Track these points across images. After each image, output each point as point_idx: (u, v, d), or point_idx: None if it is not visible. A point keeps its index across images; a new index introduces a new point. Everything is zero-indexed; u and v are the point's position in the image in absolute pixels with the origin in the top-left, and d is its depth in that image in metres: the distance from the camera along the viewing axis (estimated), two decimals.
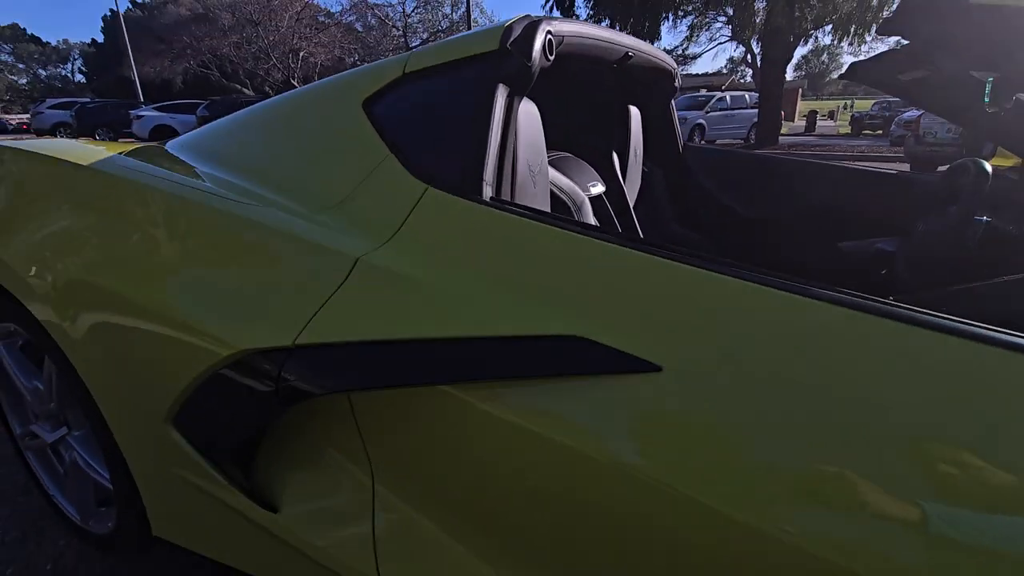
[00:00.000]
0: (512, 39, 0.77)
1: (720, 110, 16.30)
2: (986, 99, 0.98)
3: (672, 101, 1.67)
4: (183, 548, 1.01)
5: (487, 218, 0.68)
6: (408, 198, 0.74)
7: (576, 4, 13.64)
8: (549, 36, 0.81)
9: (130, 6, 36.29)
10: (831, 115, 31.43)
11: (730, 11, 12.91)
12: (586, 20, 13.34)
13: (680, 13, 13.35)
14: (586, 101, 1.51)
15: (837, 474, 0.46)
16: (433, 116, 0.81)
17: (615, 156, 1.49)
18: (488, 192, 0.72)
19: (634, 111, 1.50)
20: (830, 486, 0.46)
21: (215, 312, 0.74)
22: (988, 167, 1.15)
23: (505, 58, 0.77)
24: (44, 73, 50.19)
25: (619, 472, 0.52)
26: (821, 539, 0.46)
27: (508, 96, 0.78)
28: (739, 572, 0.50)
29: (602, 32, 1.04)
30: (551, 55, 0.82)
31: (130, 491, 1.01)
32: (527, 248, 0.64)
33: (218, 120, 1.20)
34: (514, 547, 0.66)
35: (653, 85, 1.52)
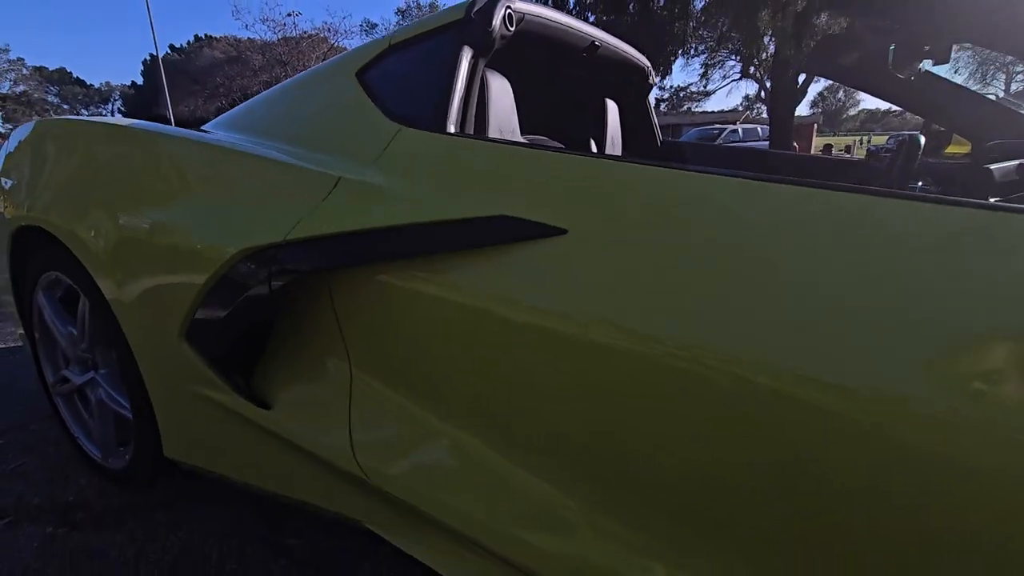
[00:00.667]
0: (476, 9, 0.94)
1: (732, 143, 16.62)
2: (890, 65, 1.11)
3: (649, 98, 1.83)
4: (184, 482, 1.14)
5: (446, 143, 0.83)
6: (386, 136, 0.89)
7: None
8: (508, 10, 0.97)
9: (168, 51, 38.62)
10: (847, 149, 31.60)
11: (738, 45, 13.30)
12: None
13: (691, 51, 13.80)
14: (563, 90, 1.66)
15: (691, 301, 0.58)
16: (410, 75, 0.97)
17: (592, 144, 1.64)
18: (452, 128, 0.88)
19: (611, 104, 1.65)
20: (691, 309, 0.58)
21: (222, 227, 0.89)
22: (921, 139, 1.27)
23: (469, 24, 0.93)
24: (86, 112, 53.23)
25: (541, 316, 0.65)
26: (691, 354, 0.57)
27: (472, 57, 0.94)
28: (630, 398, 0.62)
29: (565, 18, 1.20)
30: (511, 26, 0.98)
31: (147, 414, 1.14)
32: (472, 161, 0.78)
33: (241, 104, 1.39)
34: (466, 407, 0.78)
35: (628, 80, 1.68)
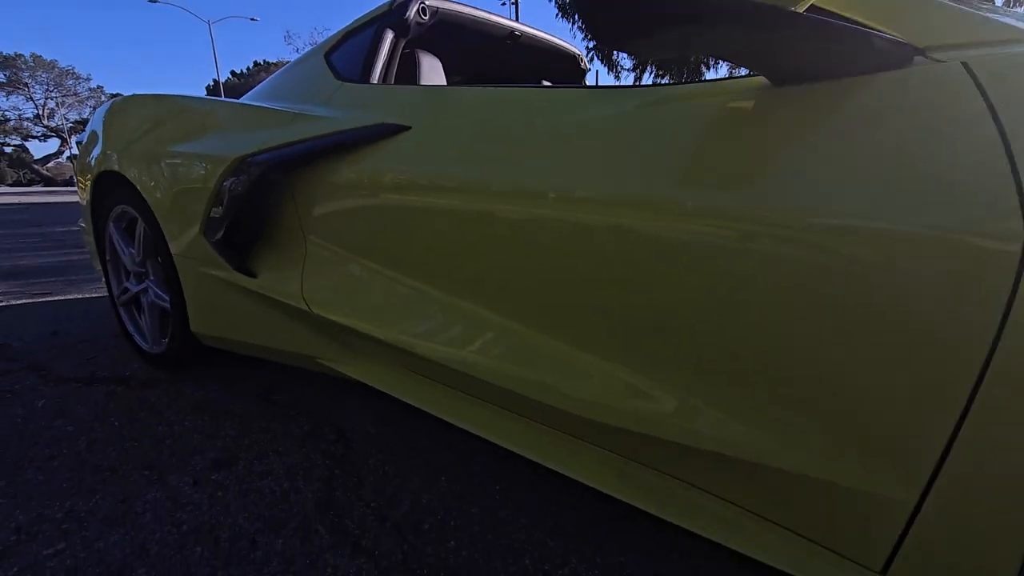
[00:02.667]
0: (396, 4, 1.37)
1: None
2: None
3: (584, 80, 2.21)
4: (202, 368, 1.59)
5: (364, 89, 1.26)
6: (333, 89, 1.33)
7: None
8: (422, 4, 1.39)
9: (230, 75, 41.51)
10: None
11: None
12: None
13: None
14: (500, 70, 2.06)
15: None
16: (355, 51, 1.41)
17: None
18: (373, 82, 1.31)
19: (547, 83, 2.05)
20: (491, 165, 0.97)
21: (224, 149, 1.34)
22: None
23: (390, 14, 1.36)
24: None
25: (401, 177, 1.07)
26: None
27: (393, 37, 1.37)
28: (457, 226, 1.01)
29: (479, 12, 1.62)
30: (425, 15, 1.41)
31: (179, 302, 1.60)
32: (374, 97, 1.22)
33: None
34: (369, 253, 1.19)
35: (559, 65, 2.08)
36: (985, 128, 0.54)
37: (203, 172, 1.39)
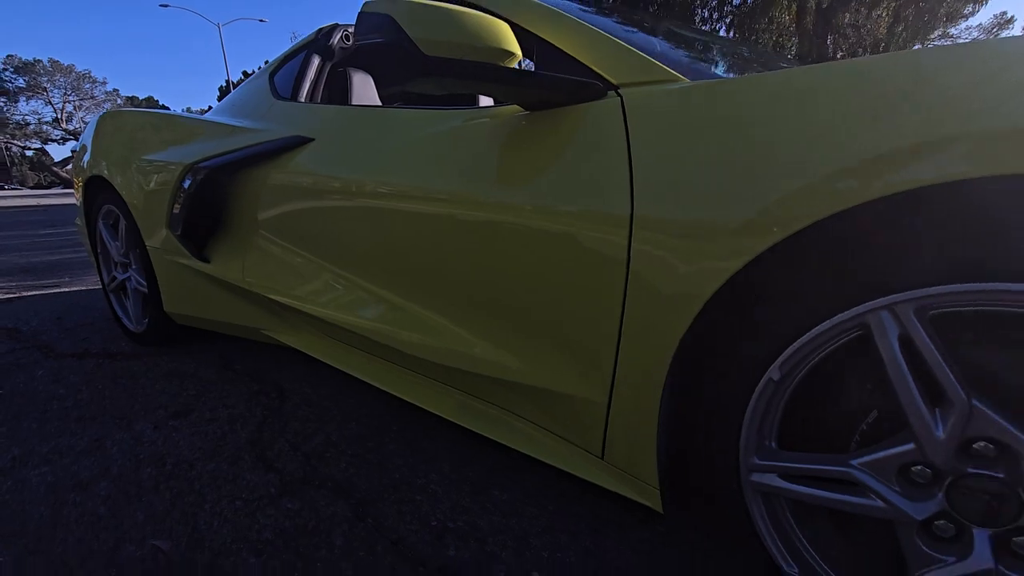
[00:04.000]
0: (322, 33, 1.63)
1: None
2: None
3: None
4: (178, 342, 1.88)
5: (291, 106, 1.54)
6: (269, 105, 1.61)
7: None
8: (345, 32, 1.66)
9: (241, 76, 42.31)
10: None
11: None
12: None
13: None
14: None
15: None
16: (289, 72, 1.68)
17: None
18: (301, 100, 1.58)
19: (484, 99, 2.30)
20: (362, 167, 1.24)
21: (181, 157, 1.62)
22: None
23: (316, 42, 1.63)
24: None
25: (308, 178, 1.34)
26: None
27: (320, 61, 1.64)
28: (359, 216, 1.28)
29: None
30: (348, 41, 1.67)
31: (154, 286, 1.89)
32: (295, 113, 1.48)
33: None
34: (297, 241, 1.47)
35: None
36: (620, 143, 0.80)
37: (166, 176, 1.67)
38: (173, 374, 1.84)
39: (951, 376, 0.58)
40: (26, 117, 53.58)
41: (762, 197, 0.64)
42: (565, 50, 0.94)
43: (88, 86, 53.84)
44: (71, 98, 53.18)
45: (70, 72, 52.68)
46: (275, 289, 1.48)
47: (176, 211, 1.65)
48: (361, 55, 1.74)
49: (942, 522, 0.62)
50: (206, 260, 1.67)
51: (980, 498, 0.59)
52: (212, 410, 1.56)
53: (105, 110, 2.16)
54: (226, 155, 1.47)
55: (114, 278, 2.20)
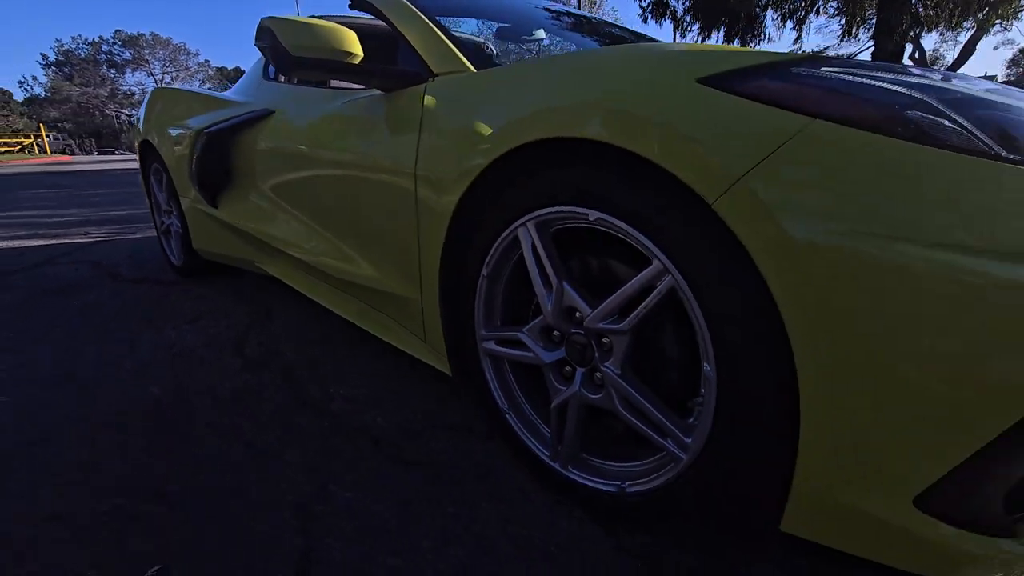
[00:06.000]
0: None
1: None
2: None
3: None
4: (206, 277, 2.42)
5: (274, 86, 1.96)
6: (257, 84, 2.05)
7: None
8: None
9: None
10: None
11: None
12: (681, 18, 13.81)
13: (783, 11, 13.14)
14: None
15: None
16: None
17: None
18: (281, 80, 2.01)
19: None
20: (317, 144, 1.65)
21: (196, 124, 2.10)
22: None
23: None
24: None
25: (275, 144, 1.78)
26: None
27: None
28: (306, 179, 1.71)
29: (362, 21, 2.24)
30: None
31: (184, 227, 2.44)
32: (274, 91, 1.91)
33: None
34: (273, 192, 1.92)
35: None
36: (416, 119, 1.15)
37: (188, 140, 2.17)
38: (198, 296, 2.39)
39: (551, 268, 0.91)
40: (132, 88, 58.49)
41: (467, 157, 0.99)
42: (413, 45, 1.29)
43: (183, 58, 57.97)
44: (169, 69, 57.56)
45: (168, 44, 56.83)
46: (254, 228, 1.95)
47: (194, 168, 2.14)
48: None
49: (565, 367, 0.96)
50: (216, 207, 2.16)
51: (576, 347, 0.92)
52: (215, 320, 2.07)
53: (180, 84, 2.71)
54: (222, 123, 1.93)
55: (162, 222, 2.78)
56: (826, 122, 0.62)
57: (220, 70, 63.62)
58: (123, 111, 59.04)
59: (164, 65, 57.61)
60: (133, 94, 58.70)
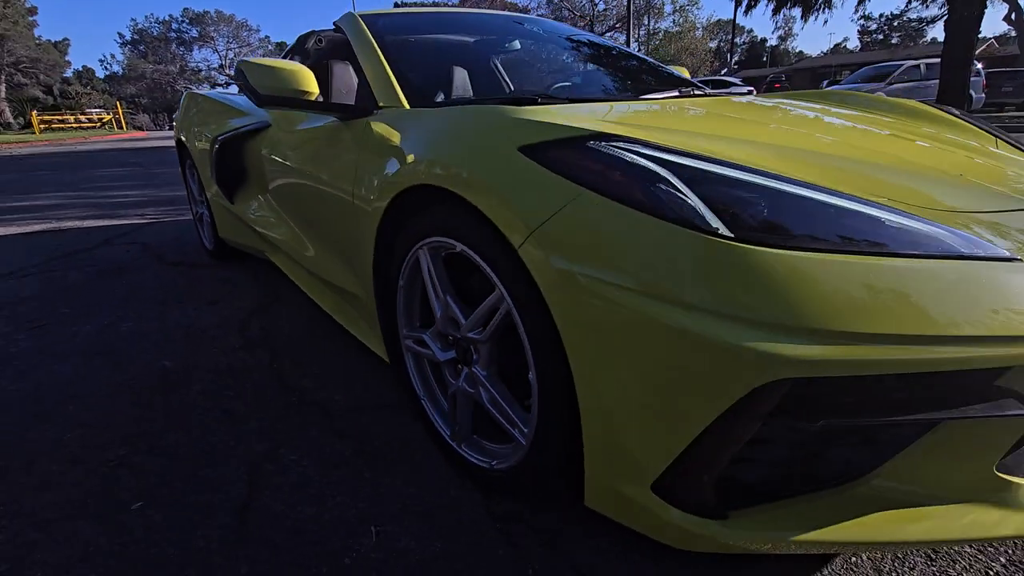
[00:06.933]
0: (300, 38, 2.26)
1: (911, 80, 14.38)
2: None
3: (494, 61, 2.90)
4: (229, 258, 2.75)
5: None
6: None
7: None
8: (317, 37, 2.26)
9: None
10: None
11: None
12: None
13: None
14: None
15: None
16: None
17: None
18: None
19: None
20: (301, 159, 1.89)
21: (213, 131, 2.39)
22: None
23: (297, 44, 2.26)
24: None
25: (272, 154, 2.03)
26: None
27: (300, 60, 2.28)
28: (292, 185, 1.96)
29: None
30: (321, 43, 2.28)
31: (211, 217, 2.77)
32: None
33: None
34: (275, 198, 2.19)
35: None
36: (356, 146, 1.35)
37: (207, 143, 2.46)
38: (222, 279, 2.73)
39: (439, 284, 1.11)
40: (198, 64, 61.15)
41: (384, 188, 1.19)
42: (367, 76, 1.48)
43: (245, 34, 59.94)
44: (232, 45, 59.77)
45: (231, 21, 58.85)
46: (258, 224, 2.23)
47: (212, 168, 2.44)
48: (336, 49, 2.35)
49: (457, 365, 1.16)
50: (233, 202, 2.46)
51: (462, 350, 1.12)
52: (230, 303, 2.39)
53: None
54: (233, 131, 2.20)
55: (197, 211, 3.14)
56: (591, 192, 0.78)
57: (279, 45, 65.52)
58: (191, 87, 62.19)
59: (227, 41, 59.84)
60: (200, 70, 61.50)
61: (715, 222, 0.71)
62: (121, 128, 31.79)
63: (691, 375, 0.69)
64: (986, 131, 1.47)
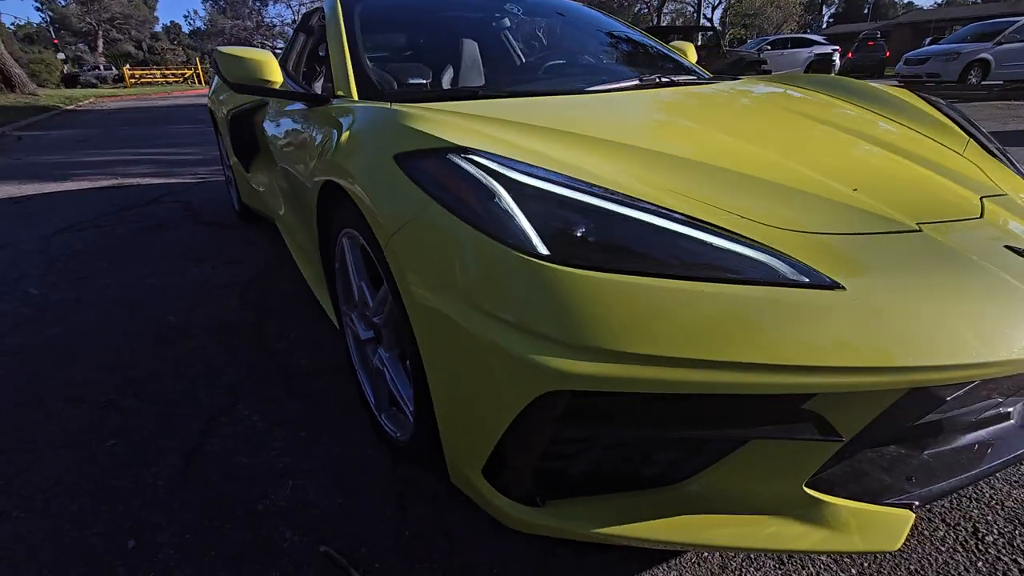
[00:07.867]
0: (303, 16, 2.36)
1: (1021, 41, 12.67)
2: None
3: (505, 33, 2.89)
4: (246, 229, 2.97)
5: None
6: None
7: None
8: (320, 15, 2.35)
9: None
10: None
11: None
12: None
13: None
14: None
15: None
16: (288, 48, 2.46)
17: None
18: (291, 68, 2.37)
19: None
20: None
21: (230, 104, 2.57)
22: None
23: (303, 21, 2.37)
24: None
25: (271, 144, 2.18)
26: None
27: (305, 37, 2.38)
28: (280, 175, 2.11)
29: None
30: (322, 22, 2.37)
31: (236, 184, 2.99)
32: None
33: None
34: (267, 176, 2.35)
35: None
36: (315, 131, 1.45)
37: (225, 114, 2.65)
38: (245, 240, 2.97)
39: (355, 271, 1.21)
40: (272, 20, 62.72)
41: (318, 178, 1.29)
42: (332, 66, 1.57)
43: None
44: (305, 0, 60.85)
45: None
46: (264, 192, 2.41)
47: (231, 141, 2.63)
48: None
49: (378, 343, 1.28)
50: (248, 171, 2.66)
51: (376, 329, 1.23)
52: (242, 263, 2.62)
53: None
54: (243, 106, 2.37)
55: (227, 176, 3.39)
56: (436, 203, 0.84)
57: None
58: (266, 42, 64.11)
59: None
60: (274, 25, 63.23)
61: (536, 240, 0.77)
62: (200, 83, 33.51)
63: (494, 380, 0.77)
64: (967, 132, 1.38)
